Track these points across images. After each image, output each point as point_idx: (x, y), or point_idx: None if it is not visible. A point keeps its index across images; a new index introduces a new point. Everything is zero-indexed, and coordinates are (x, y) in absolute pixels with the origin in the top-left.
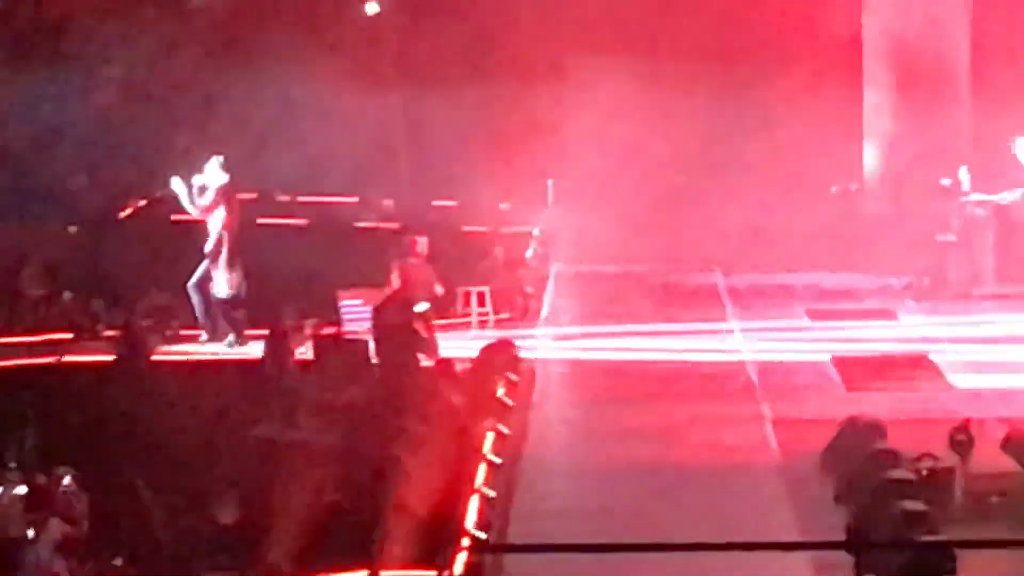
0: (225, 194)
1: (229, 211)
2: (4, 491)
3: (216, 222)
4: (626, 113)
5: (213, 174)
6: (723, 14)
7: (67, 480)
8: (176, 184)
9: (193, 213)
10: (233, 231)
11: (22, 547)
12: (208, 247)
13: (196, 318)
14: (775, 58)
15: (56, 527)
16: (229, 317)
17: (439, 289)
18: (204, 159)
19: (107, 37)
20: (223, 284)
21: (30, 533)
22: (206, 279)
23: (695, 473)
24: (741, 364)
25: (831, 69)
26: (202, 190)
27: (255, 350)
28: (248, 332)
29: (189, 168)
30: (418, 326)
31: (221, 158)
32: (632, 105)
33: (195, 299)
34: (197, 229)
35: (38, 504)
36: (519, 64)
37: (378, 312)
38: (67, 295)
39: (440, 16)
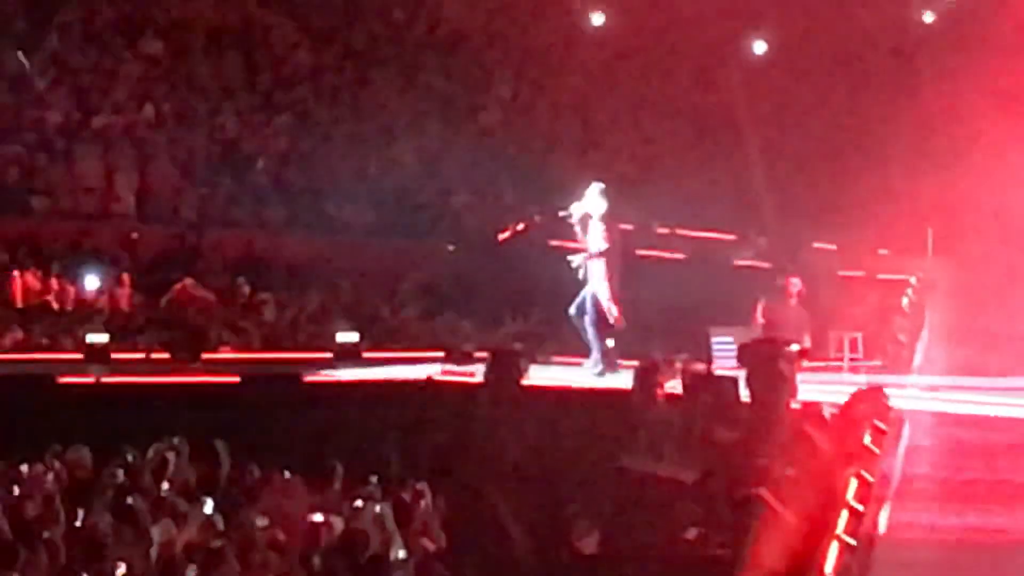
0: (607, 222)
1: (610, 239)
2: (366, 506)
3: (597, 250)
4: (1017, 168)
5: (594, 202)
6: None
7: (425, 501)
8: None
9: (588, 246)
10: (613, 259)
11: (383, 564)
12: (592, 276)
13: (585, 343)
14: None
15: (422, 546)
16: (604, 344)
17: (806, 340)
18: (584, 187)
19: (495, 58)
20: (607, 312)
21: (400, 553)
22: (585, 307)
23: None
24: None
25: None
26: (586, 219)
27: (624, 380)
28: (620, 362)
29: (566, 194)
30: (783, 367)
31: (601, 185)
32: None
33: (580, 325)
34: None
35: (402, 521)
36: (910, 112)
37: (743, 350)
38: (442, 319)
39: (827, 57)
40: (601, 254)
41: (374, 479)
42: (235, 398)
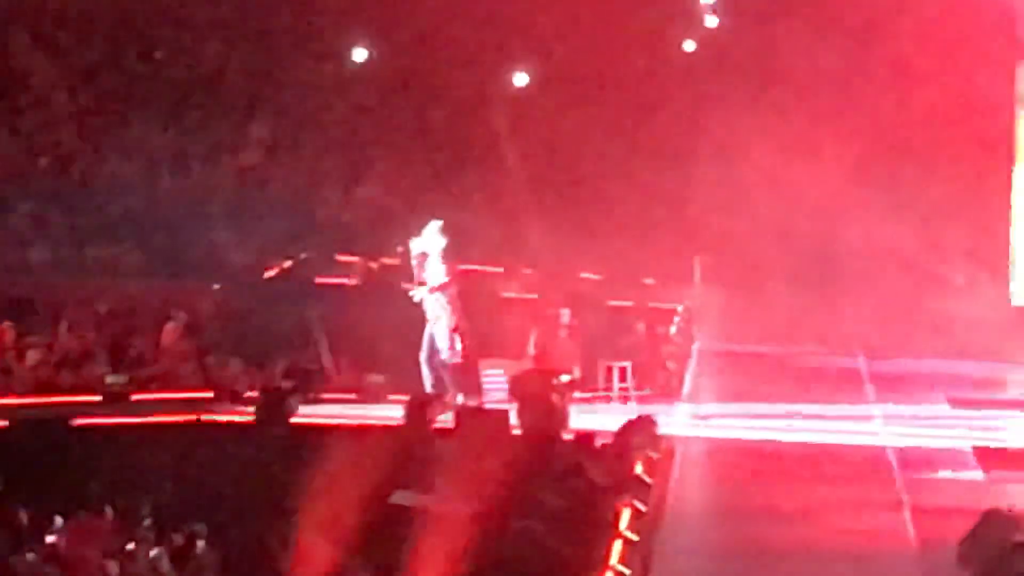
0: (447, 258)
1: (452, 275)
2: (139, 548)
3: (439, 287)
4: (776, 196)
5: (433, 239)
6: (878, 107)
7: (200, 543)
8: (416, 293)
9: (427, 281)
10: (455, 295)
11: None
12: (435, 314)
13: (430, 388)
14: (927, 149)
15: None
16: (456, 379)
17: (576, 372)
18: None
19: (258, 95)
20: (448, 349)
21: None
22: (435, 349)
23: (831, 559)
24: (881, 449)
25: (981, 154)
26: (423, 257)
27: (396, 414)
28: (391, 398)
29: (335, 231)
30: (555, 398)
31: (440, 222)
32: (782, 188)
33: (426, 372)
34: (341, 291)
35: (177, 563)
36: (671, 139)
37: (516, 382)
38: (210, 359)
39: (590, 88)
40: (440, 288)
41: (148, 522)
42: (3, 443)
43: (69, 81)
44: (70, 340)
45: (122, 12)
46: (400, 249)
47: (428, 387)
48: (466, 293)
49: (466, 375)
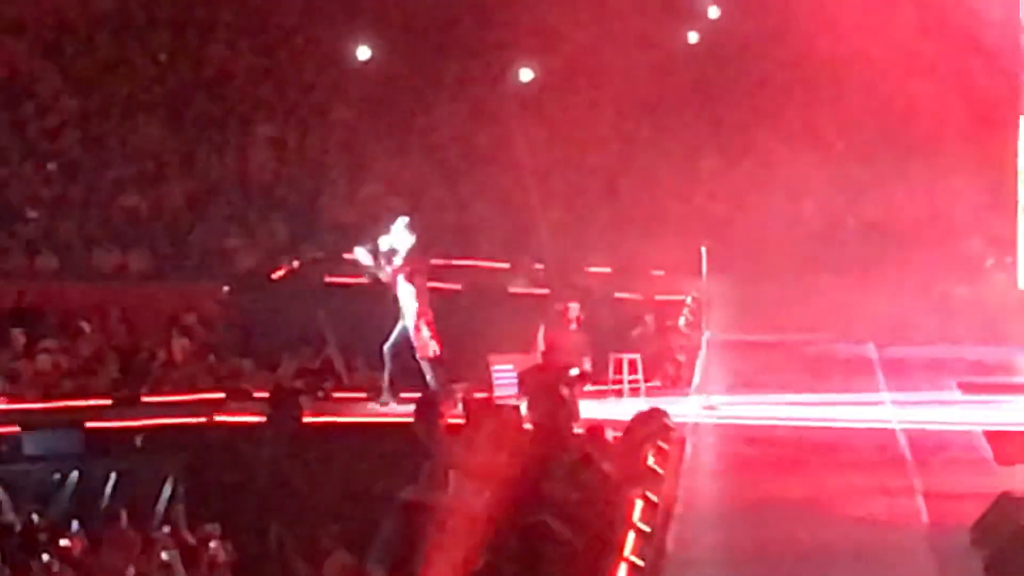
0: (414, 254)
1: (420, 271)
2: (154, 553)
3: (408, 283)
4: (781, 183)
5: (401, 235)
6: (880, 91)
7: (214, 543)
8: (361, 254)
9: (382, 277)
10: (425, 291)
11: None
12: (407, 310)
13: (385, 380)
14: (930, 131)
15: None
16: (439, 374)
17: (587, 364)
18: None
19: (262, 97)
20: (428, 344)
21: None
22: (402, 342)
23: (845, 546)
24: (892, 435)
25: (988, 142)
26: (392, 253)
27: (408, 411)
28: (401, 395)
29: (341, 231)
30: (564, 392)
31: (407, 219)
32: (788, 175)
33: (389, 363)
34: (351, 291)
35: (190, 564)
36: (676, 131)
37: (524, 377)
38: (211, 358)
39: (591, 82)
40: (416, 287)
41: (164, 525)
42: (15, 449)
43: (74, 86)
44: (80, 345)
45: (126, 15)
46: (370, 247)
47: (385, 377)
48: (473, 289)
49: (442, 366)
